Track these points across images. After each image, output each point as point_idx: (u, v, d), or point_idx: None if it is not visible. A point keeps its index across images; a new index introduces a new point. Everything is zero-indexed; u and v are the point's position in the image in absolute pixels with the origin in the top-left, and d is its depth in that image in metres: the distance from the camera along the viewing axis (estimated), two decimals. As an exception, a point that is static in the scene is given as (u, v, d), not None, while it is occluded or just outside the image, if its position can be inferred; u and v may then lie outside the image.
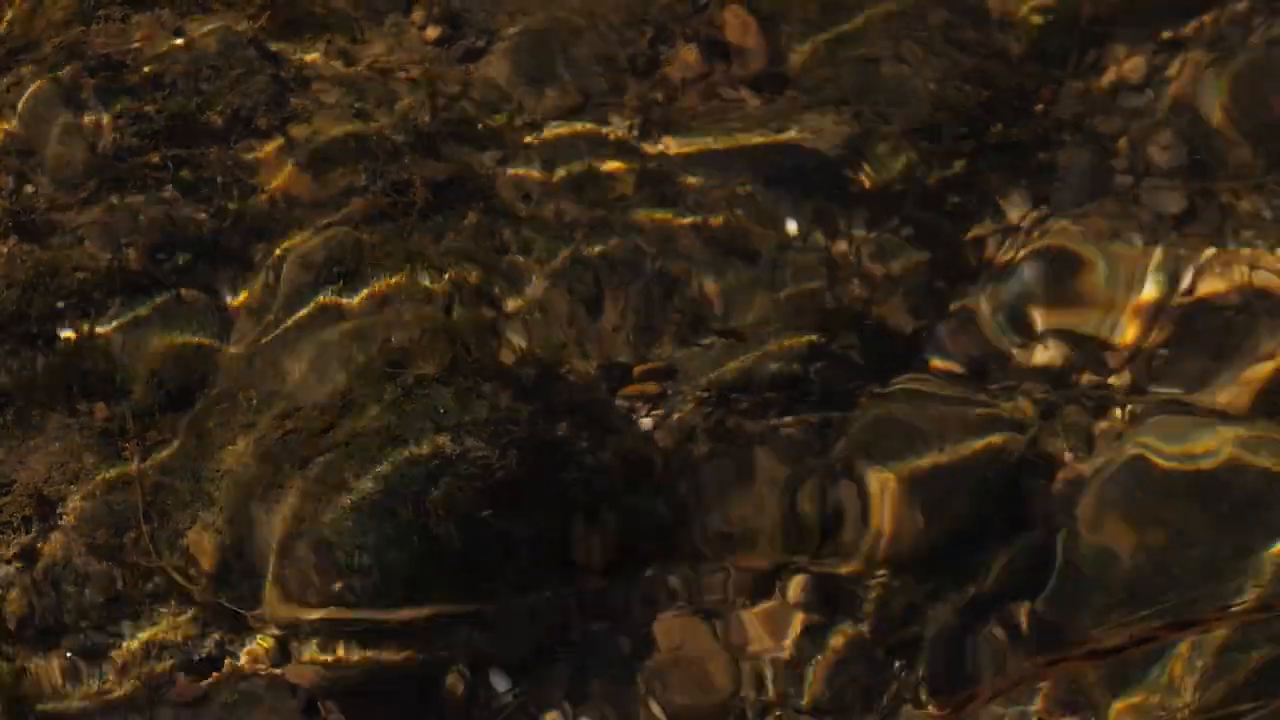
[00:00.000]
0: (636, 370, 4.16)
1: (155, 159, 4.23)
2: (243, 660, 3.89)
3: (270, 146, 4.28)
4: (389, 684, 3.87)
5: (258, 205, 4.23)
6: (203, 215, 4.21)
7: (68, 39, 4.35)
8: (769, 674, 3.94)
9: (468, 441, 3.88)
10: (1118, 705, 3.83)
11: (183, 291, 4.15)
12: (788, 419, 4.10)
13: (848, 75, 4.45)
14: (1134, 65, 4.49)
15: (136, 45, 4.35)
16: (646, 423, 4.10)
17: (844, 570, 3.99)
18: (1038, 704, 3.85)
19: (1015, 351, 4.24)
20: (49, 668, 3.88)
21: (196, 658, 3.89)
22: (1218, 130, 4.41)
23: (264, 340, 4.08)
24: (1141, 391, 4.18)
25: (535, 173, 4.34)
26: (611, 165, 4.35)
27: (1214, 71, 4.45)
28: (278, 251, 4.17)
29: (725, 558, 4.02)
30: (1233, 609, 3.81)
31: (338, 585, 3.83)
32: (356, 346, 3.99)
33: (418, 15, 4.54)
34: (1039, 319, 4.24)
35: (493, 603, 3.90)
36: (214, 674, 3.88)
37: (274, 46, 4.41)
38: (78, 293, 4.12)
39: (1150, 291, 4.25)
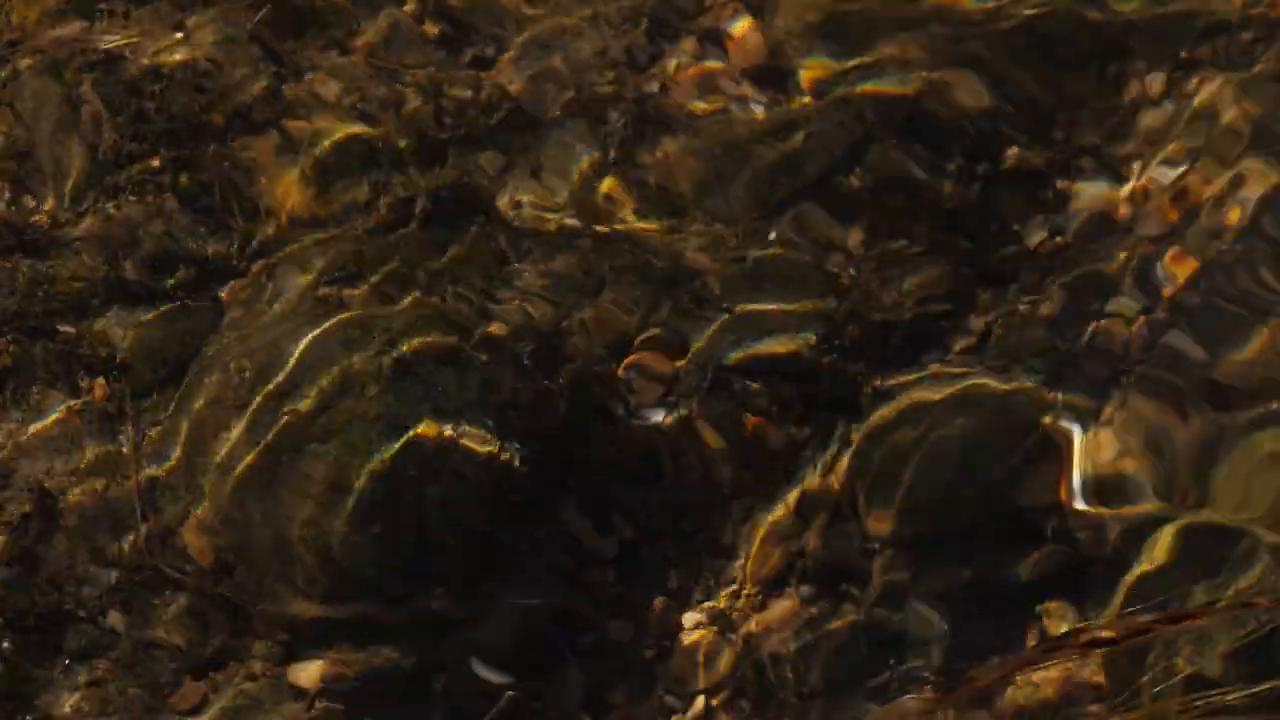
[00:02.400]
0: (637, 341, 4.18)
1: (155, 163, 4.25)
2: (244, 660, 3.91)
3: (271, 150, 4.31)
4: (390, 685, 3.87)
5: (259, 219, 4.26)
6: (202, 228, 4.24)
7: (67, 34, 4.36)
8: (773, 662, 3.96)
9: (467, 427, 3.89)
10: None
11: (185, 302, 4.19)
12: (796, 408, 4.12)
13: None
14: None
15: (136, 41, 4.36)
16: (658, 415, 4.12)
17: (849, 559, 4.01)
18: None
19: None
20: (46, 668, 3.89)
21: (197, 658, 3.90)
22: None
23: (259, 325, 4.10)
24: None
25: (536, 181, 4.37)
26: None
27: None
28: (277, 263, 4.20)
29: (731, 548, 4.04)
30: (1225, 602, 3.82)
31: (338, 580, 3.85)
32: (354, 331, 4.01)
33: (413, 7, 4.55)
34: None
35: (495, 598, 3.91)
36: (216, 675, 3.89)
37: (274, 43, 4.42)
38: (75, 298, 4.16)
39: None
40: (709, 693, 3.91)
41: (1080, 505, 4.02)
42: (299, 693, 3.84)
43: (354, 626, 3.86)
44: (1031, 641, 3.90)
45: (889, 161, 4.33)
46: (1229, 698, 3.71)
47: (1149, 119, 4.45)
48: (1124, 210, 4.35)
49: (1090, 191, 4.38)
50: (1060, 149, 4.39)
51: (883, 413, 4.10)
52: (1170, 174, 4.36)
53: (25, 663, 3.85)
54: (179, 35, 4.38)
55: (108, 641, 3.88)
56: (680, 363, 4.14)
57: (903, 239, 4.26)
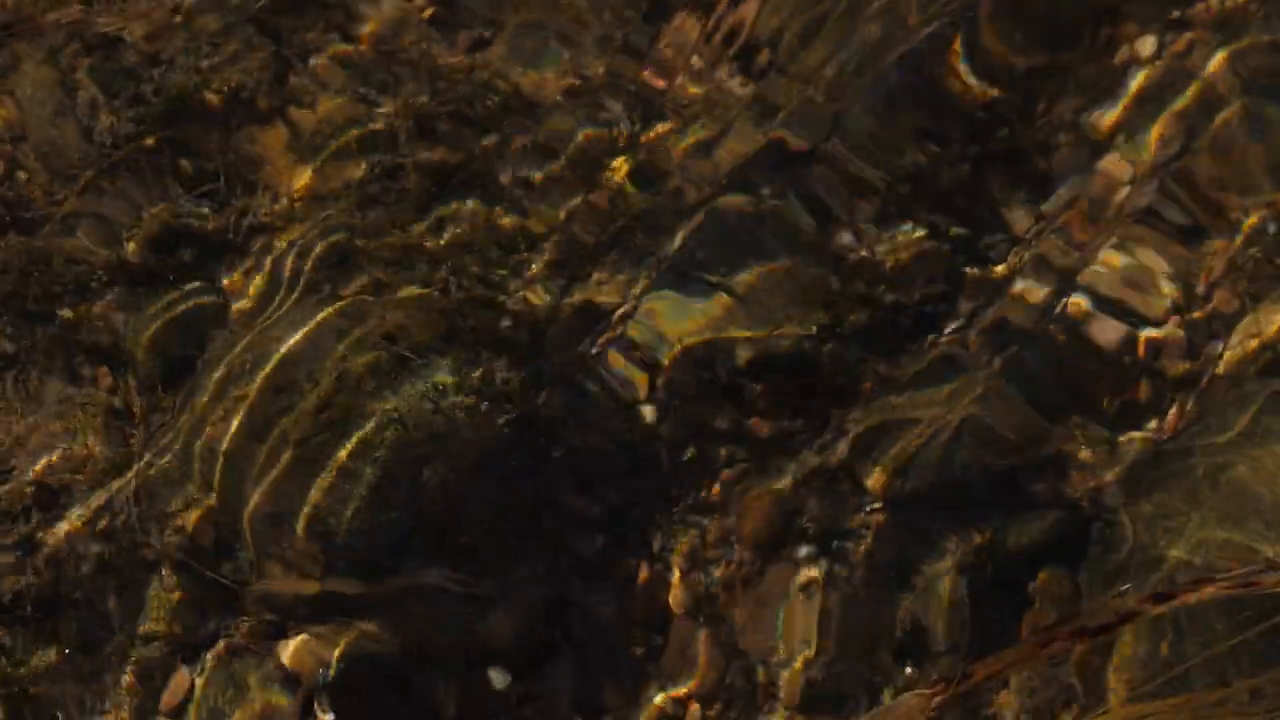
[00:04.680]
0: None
1: (151, 143, 4.25)
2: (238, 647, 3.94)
3: (271, 134, 4.31)
4: (383, 677, 3.90)
5: (258, 197, 4.26)
6: (202, 208, 4.24)
7: (66, 16, 4.35)
8: (769, 656, 3.98)
9: (461, 414, 3.91)
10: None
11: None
12: (786, 385, 4.15)
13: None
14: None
15: (135, 22, 4.36)
16: (647, 411, 4.14)
17: (846, 547, 4.04)
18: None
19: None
20: (44, 653, 3.91)
21: (191, 644, 3.92)
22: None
23: (262, 318, 4.11)
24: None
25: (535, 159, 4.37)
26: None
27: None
28: (277, 243, 4.19)
29: (727, 538, 4.06)
30: (1213, 582, 3.85)
31: (331, 562, 3.87)
32: (352, 323, 4.02)
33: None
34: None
35: (488, 582, 3.94)
36: (209, 663, 3.91)
37: (274, 23, 4.43)
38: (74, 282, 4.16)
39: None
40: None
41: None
42: (289, 675, 3.88)
43: (347, 606, 3.89)
44: (1025, 630, 3.93)
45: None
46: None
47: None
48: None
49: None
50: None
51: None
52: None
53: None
54: (177, 19, 4.38)
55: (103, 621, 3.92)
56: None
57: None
